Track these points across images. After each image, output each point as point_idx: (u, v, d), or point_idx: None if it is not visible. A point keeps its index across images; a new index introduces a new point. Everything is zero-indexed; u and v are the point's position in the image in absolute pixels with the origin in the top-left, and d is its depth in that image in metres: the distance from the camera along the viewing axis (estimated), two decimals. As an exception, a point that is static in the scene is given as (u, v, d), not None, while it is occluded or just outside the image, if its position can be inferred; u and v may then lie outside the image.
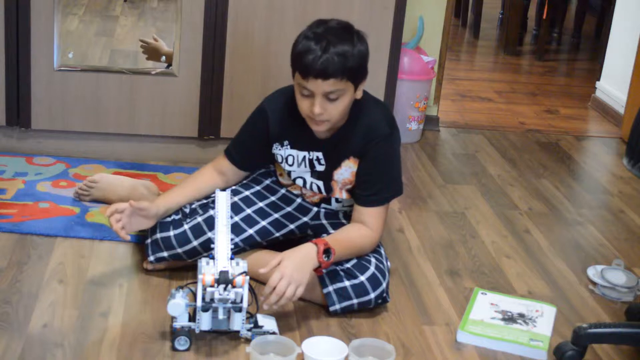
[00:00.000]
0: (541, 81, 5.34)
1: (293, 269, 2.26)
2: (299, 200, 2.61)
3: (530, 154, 3.93)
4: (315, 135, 2.47)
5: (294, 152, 2.51)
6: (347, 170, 2.49)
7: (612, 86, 4.58)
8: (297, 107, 2.40)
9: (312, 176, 2.53)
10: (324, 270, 2.36)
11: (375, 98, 2.52)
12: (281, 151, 2.52)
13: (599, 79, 4.74)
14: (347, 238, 2.43)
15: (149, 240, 2.54)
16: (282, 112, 2.48)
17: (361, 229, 2.46)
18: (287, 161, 2.52)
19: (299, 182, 2.56)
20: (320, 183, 2.53)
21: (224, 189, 2.44)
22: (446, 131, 4.15)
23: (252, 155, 2.58)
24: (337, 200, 2.58)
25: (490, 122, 4.37)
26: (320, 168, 2.51)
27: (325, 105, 2.33)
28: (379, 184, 2.47)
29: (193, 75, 3.30)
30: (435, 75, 3.98)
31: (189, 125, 3.36)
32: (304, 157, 2.50)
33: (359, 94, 2.40)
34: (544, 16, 5.94)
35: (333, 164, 2.49)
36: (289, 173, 2.56)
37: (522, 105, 4.74)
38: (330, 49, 2.28)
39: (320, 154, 2.49)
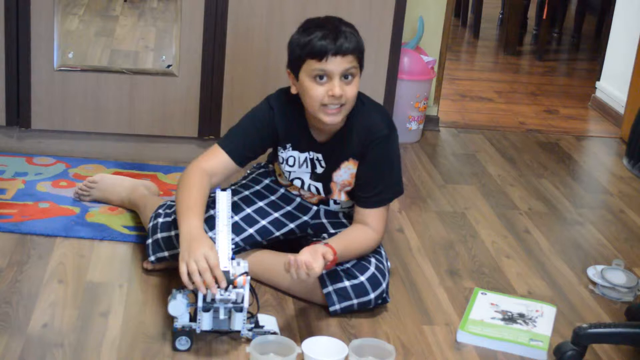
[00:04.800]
0: (541, 81, 5.34)
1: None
2: (298, 199, 2.61)
3: (530, 154, 3.93)
4: (314, 138, 2.47)
5: (295, 153, 2.50)
6: (346, 172, 2.49)
7: (612, 86, 4.58)
8: (299, 107, 2.40)
9: (311, 178, 2.53)
10: (323, 271, 2.36)
11: (371, 100, 2.52)
12: (283, 153, 2.51)
13: (599, 79, 4.74)
14: (352, 241, 2.42)
15: (149, 241, 2.54)
16: (285, 113, 2.47)
17: (366, 232, 2.46)
18: (287, 162, 2.52)
19: (297, 183, 2.55)
20: (319, 185, 2.53)
21: (223, 189, 2.44)
22: (446, 131, 4.15)
23: (253, 152, 2.51)
24: (335, 202, 2.58)
25: (490, 122, 4.37)
26: (320, 170, 2.51)
27: (343, 87, 2.32)
28: (379, 186, 2.47)
29: (193, 75, 3.30)
30: (435, 75, 3.98)
31: (189, 125, 3.36)
32: (306, 157, 2.50)
33: (359, 80, 2.40)
34: (544, 16, 5.94)
35: (332, 165, 2.49)
36: (287, 174, 2.56)
37: (522, 105, 4.74)
38: (341, 28, 2.31)
39: (320, 155, 2.49)
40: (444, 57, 4.05)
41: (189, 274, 2.16)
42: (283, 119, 2.46)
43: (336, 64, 2.29)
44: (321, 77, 2.31)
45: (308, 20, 2.41)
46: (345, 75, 2.32)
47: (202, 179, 2.39)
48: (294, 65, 2.37)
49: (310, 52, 2.30)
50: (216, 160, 2.45)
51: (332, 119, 2.36)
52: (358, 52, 2.33)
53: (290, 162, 2.51)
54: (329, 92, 2.31)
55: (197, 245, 2.19)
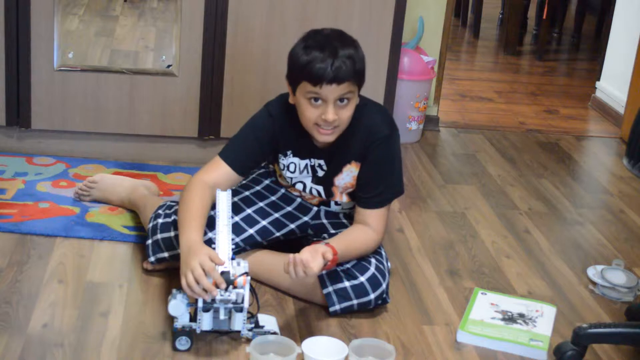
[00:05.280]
0: (541, 81, 5.34)
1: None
2: (299, 199, 2.61)
3: (530, 154, 3.93)
4: (315, 144, 2.47)
5: (296, 160, 2.50)
6: (348, 175, 2.49)
7: (612, 86, 4.58)
8: (298, 115, 2.40)
9: (312, 182, 2.53)
10: (323, 272, 2.36)
11: (372, 101, 2.52)
12: (284, 160, 2.51)
13: (599, 79, 4.74)
14: (352, 241, 2.42)
15: (149, 241, 2.54)
16: (285, 120, 2.47)
17: (366, 232, 2.46)
18: (288, 168, 2.52)
19: (299, 186, 2.55)
20: (320, 188, 2.53)
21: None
22: (446, 131, 4.15)
23: (254, 161, 2.52)
24: (336, 203, 2.58)
25: (490, 122, 4.37)
26: (321, 174, 2.51)
27: (337, 111, 2.32)
28: (380, 186, 2.47)
29: (193, 75, 3.30)
30: (435, 75, 3.98)
31: (189, 125, 3.35)
32: (306, 164, 2.50)
33: (357, 99, 2.40)
34: (544, 16, 5.94)
35: (334, 169, 2.49)
36: (289, 179, 2.55)
37: (522, 105, 4.74)
38: (339, 53, 2.28)
39: (322, 161, 2.49)
40: (444, 57, 4.05)
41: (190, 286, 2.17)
42: (283, 126, 2.46)
43: (331, 91, 2.29)
44: (316, 100, 2.32)
45: (310, 35, 2.37)
46: (340, 99, 2.32)
47: (204, 192, 2.40)
48: (292, 80, 2.37)
49: (306, 76, 2.30)
50: (218, 172, 2.46)
51: (325, 138, 2.38)
52: (354, 78, 2.31)
53: (292, 168, 2.51)
54: (322, 115, 2.32)
55: (193, 256, 2.20)
